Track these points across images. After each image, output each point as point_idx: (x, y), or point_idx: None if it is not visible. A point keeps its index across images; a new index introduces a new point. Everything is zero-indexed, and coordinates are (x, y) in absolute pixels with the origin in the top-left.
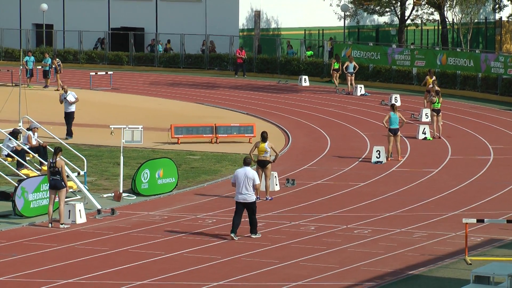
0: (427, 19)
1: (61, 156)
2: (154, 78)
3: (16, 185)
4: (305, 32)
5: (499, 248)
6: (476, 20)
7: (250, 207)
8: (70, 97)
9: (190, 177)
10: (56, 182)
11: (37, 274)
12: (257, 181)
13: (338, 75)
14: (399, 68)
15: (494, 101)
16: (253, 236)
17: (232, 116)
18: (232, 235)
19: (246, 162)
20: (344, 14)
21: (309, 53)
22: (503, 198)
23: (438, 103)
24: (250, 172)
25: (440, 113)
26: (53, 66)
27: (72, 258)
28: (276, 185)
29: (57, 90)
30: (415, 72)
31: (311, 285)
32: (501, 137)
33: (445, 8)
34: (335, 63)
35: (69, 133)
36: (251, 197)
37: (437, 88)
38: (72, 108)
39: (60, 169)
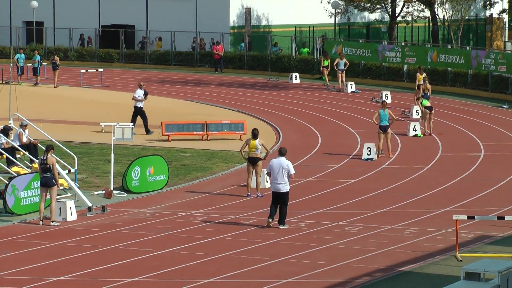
0: (418, 16)
1: (52, 154)
2: (145, 75)
3: (7, 182)
4: (295, 29)
5: (490, 244)
6: (466, 17)
7: (282, 198)
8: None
9: (180, 174)
10: (47, 179)
11: (28, 271)
12: (292, 171)
13: (328, 72)
14: (390, 65)
15: (484, 98)
16: (281, 227)
17: (222, 113)
18: (270, 220)
19: (282, 153)
20: (335, 11)
21: (305, 50)
22: (494, 195)
23: (427, 100)
24: (285, 162)
25: (433, 110)
26: (55, 62)
27: (63, 256)
28: (267, 182)
29: (56, 86)
30: (406, 69)
31: (302, 282)
32: (492, 134)
33: (436, 5)
34: (325, 61)
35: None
36: (284, 187)
37: (428, 85)
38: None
39: (51, 166)
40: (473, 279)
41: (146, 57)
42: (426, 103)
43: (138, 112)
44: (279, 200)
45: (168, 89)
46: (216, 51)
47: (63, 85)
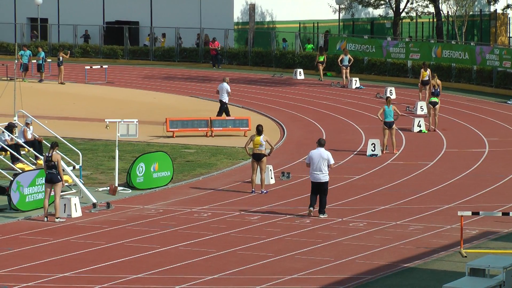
0: (422, 12)
1: (57, 151)
2: (149, 71)
3: (12, 179)
4: (299, 25)
5: (494, 240)
6: (471, 13)
7: (322, 187)
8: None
9: (185, 170)
10: (51, 176)
11: (32, 268)
12: (332, 161)
13: (323, 67)
14: (394, 61)
15: (489, 94)
16: (321, 216)
17: None
18: (311, 208)
19: (321, 143)
20: (339, 7)
21: (309, 46)
22: (498, 191)
23: (436, 97)
24: (325, 153)
25: (437, 106)
26: (61, 58)
27: (68, 252)
28: (272, 178)
29: (62, 83)
30: (410, 65)
31: (306, 278)
32: (496, 130)
33: (440, 1)
34: (320, 56)
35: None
36: (324, 177)
37: (438, 81)
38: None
39: (56, 163)
40: (478, 275)
41: (151, 53)
42: (433, 99)
43: (225, 107)
44: (319, 189)
45: (172, 85)
46: (212, 47)
47: (67, 82)
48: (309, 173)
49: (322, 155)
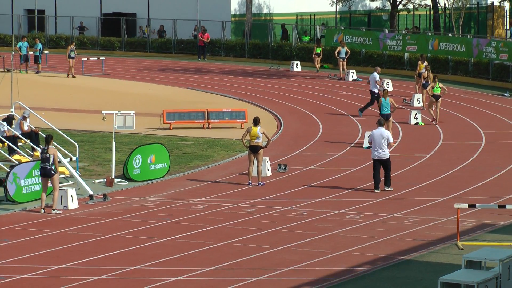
0: (419, 4)
1: (52, 144)
2: (146, 63)
3: (8, 170)
4: (297, 17)
5: (491, 233)
6: (468, 5)
7: (385, 164)
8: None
9: (182, 162)
10: (45, 170)
11: (29, 259)
12: (391, 140)
13: (319, 59)
14: (391, 53)
15: (486, 86)
16: (387, 189)
17: (224, 101)
18: (376, 191)
19: (380, 123)
20: None
21: (306, 38)
22: (495, 183)
23: (438, 88)
24: (385, 132)
25: (440, 99)
26: (69, 52)
27: (64, 244)
28: (268, 170)
29: (73, 76)
30: (407, 57)
31: (303, 270)
32: (493, 122)
33: None
34: (317, 48)
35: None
36: (386, 154)
37: (430, 74)
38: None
39: (52, 156)
40: (475, 268)
41: (148, 45)
42: (438, 91)
43: (376, 97)
44: (382, 165)
45: (169, 77)
46: (201, 37)
47: (63, 74)
48: (371, 152)
49: (383, 134)
